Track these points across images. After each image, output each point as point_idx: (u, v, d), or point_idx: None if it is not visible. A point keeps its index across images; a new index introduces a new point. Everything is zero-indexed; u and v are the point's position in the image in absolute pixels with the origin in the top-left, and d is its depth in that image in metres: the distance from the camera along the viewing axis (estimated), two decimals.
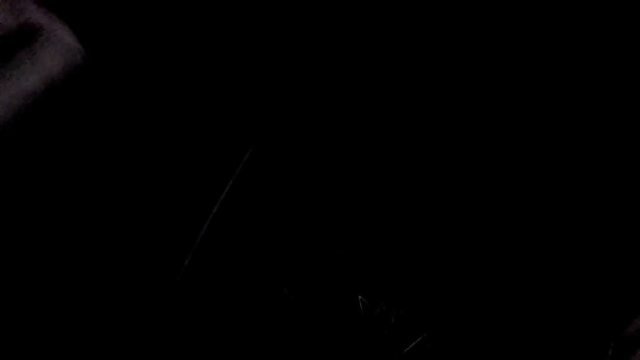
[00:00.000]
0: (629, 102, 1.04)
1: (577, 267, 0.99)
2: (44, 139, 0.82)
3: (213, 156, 1.05)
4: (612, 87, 1.05)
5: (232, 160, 1.03)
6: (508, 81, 1.07)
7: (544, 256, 1.00)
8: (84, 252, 0.97)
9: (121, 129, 1.02)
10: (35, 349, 0.92)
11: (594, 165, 1.04)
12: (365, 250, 1.04)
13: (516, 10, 1.07)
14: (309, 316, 0.99)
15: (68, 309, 0.95)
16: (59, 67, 0.59)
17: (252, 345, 0.98)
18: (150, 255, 0.99)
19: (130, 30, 1.01)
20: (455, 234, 1.04)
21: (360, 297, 1.01)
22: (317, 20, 1.11)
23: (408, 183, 1.07)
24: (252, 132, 1.05)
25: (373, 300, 1.02)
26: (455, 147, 1.06)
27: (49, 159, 0.90)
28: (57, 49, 0.60)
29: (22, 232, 0.92)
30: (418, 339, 0.98)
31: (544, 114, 1.06)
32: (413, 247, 1.04)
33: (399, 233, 1.05)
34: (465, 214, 1.04)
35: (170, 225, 1.01)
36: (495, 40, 1.07)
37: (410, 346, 0.98)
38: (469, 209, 1.04)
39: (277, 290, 1.00)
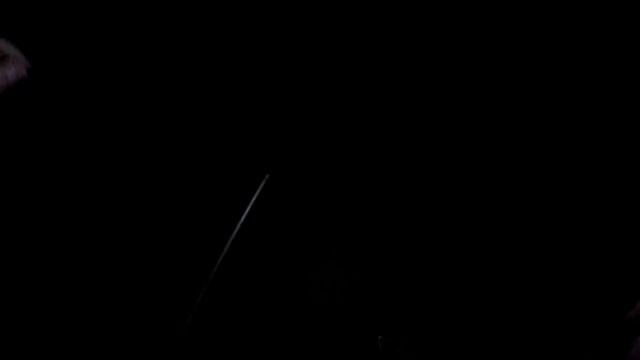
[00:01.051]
0: (629, 102, 1.05)
1: (575, 263, 1.01)
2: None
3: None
4: (612, 87, 1.05)
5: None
6: (508, 82, 1.08)
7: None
8: (90, 298, 0.96)
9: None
10: None
11: (594, 165, 1.05)
12: (383, 290, 1.04)
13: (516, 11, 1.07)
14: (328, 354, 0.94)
15: None
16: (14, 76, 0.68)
17: None
18: (155, 305, 0.98)
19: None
20: (471, 271, 1.05)
21: (380, 337, 1.00)
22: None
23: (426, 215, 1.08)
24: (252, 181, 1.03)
25: (393, 340, 1.01)
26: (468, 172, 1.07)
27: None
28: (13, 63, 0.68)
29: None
30: None
31: (544, 115, 1.07)
32: (433, 288, 1.05)
33: (418, 272, 1.06)
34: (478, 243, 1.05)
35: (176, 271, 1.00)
36: (495, 41, 1.08)
37: None
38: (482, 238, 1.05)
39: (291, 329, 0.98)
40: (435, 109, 1.09)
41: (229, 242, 0.95)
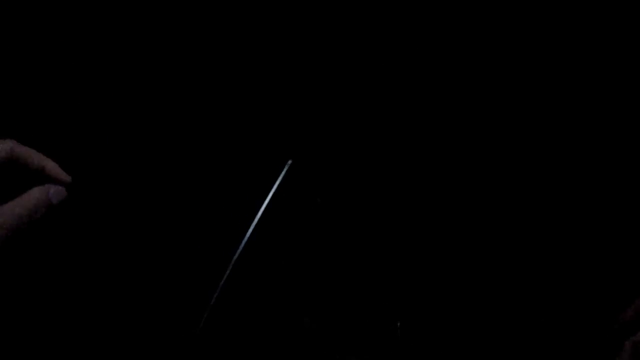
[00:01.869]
0: (629, 102, 1.04)
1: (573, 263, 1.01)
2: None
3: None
4: (612, 87, 1.04)
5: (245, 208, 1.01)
6: (507, 83, 1.07)
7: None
8: (103, 302, 0.98)
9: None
10: None
11: (594, 165, 1.04)
12: (402, 275, 1.06)
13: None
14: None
15: None
16: (55, 198, 0.65)
17: None
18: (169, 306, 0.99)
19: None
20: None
21: (398, 323, 1.02)
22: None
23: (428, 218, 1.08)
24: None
25: (411, 326, 1.03)
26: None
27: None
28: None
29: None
30: None
31: (543, 116, 1.06)
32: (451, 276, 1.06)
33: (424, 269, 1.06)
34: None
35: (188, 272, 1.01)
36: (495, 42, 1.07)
37: None
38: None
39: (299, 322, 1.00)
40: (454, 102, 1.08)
41: (250, 231, 0.96)
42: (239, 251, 0.93)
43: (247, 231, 0.94)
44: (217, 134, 1.08)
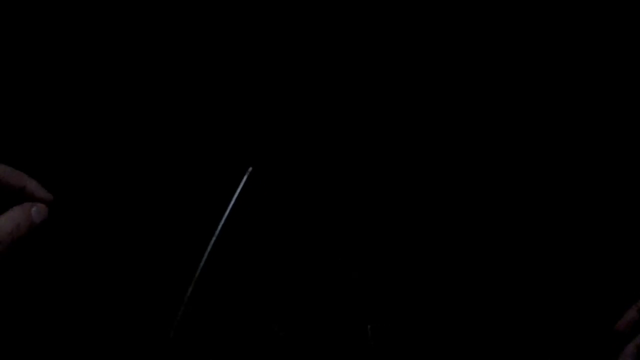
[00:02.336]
0: (629, 102, 1.04)
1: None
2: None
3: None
4: (612, 87, 1.05)
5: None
6: (508, 82, 1.07)
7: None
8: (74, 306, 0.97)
9: None
10: None
11: (594, 165, 1.04)
12: (373, 277, 1.04)
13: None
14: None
15: None
16: (38, 216, 0.65)
17: None
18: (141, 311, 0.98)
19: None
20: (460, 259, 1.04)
21: (369, 325, 1.00)
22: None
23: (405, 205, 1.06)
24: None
25: (382, 328, 1.01)
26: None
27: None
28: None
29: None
30: None
31: (544, 116, 1.06)
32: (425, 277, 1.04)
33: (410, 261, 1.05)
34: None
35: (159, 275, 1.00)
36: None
37: None
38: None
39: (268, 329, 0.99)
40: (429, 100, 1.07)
41: (212, 240, 0.94)
42: (203, 259, 0.91)
43: (210, 239, 0.92)
44: (177, 143, 1.06)
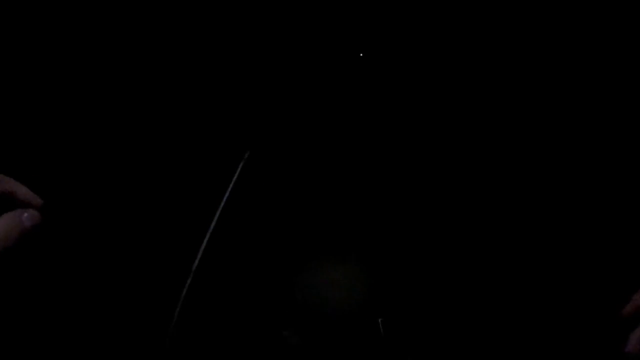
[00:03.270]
0: (629, 102, 1.03)
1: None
2: None
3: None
4: (612, 87, 1.04)
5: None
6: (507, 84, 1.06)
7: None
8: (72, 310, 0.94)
9: None
10: None
11: (594, 165, 1.03)
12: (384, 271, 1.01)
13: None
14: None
15: None
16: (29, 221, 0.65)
17: None
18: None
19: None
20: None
21: (380, 319, 0.97)
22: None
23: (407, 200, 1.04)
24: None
25: (394, 323, 0.97)
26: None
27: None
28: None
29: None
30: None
31: (543, 116, 1.05)
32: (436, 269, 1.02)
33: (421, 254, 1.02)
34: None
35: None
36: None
37: None
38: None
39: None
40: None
41: (210, 229, 0.88)
42: (199, 254, 0.84)
43: (207, 230, 0.86)
44: (174, 127, 1.02)
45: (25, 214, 0.63)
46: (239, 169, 0.91)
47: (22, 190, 0.65)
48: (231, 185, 0.92)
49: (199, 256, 0.89)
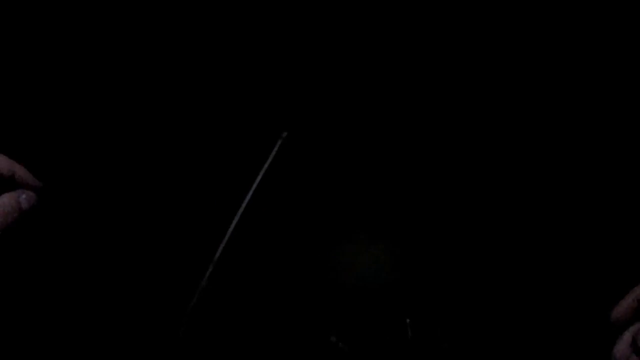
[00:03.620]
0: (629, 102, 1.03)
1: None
2: None
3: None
4: (612, 87, 1.04)
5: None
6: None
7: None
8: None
9: None
10: None
11: (594, 165, 1.03)
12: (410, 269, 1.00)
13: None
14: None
15: None
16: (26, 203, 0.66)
17: None
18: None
19: None
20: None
21: (408, 320, 0.95)
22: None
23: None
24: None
25: (421, 323, 0.96)
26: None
27: None
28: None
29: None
30: None
31: (544, 116, 1.05)
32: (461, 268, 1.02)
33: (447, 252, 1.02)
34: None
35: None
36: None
37: None
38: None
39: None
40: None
41: (241, 210, 0.84)
42: (237, 218, 0.80)
43: (242, 203, 0.82)
44: (210, 109, 1.00)
45: (23, 196, 0.64)
46: (275, 148, 0.88)
47: (21, 172, 0.65)
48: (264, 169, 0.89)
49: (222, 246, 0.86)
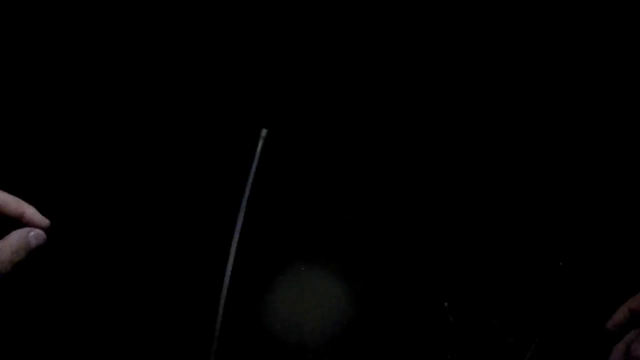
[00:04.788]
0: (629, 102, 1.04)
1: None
2: None
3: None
4: (612, 87, 1.05)
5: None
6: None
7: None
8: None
9: None
10: None
11: (594, 165, 1.04)
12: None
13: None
14: None
15: None
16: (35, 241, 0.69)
17: None
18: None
19: None
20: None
21: (446, 304, 0.90)
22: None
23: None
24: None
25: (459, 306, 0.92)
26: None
27: None
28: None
29: None
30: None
31: (543, 115, 1.06)
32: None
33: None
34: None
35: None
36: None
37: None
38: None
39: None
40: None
41: (242, 210, 0.77)
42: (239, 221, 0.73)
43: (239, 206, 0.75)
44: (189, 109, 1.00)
45: (32, 234, 0.67)
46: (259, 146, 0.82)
47: (30, 211, 0.69)
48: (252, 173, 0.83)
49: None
